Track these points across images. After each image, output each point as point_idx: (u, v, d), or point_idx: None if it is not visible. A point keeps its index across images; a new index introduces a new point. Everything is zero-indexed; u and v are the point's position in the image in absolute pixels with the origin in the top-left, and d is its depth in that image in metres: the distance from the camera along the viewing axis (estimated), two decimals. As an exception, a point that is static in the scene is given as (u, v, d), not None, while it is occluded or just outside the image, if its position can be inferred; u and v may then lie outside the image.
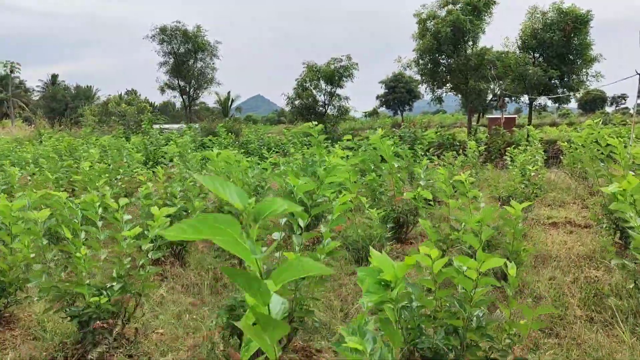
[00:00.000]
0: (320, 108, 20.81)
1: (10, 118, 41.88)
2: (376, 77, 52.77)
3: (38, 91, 59.60)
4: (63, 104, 51.26)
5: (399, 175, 5.49)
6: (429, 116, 51.25)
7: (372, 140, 5.30)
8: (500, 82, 17.65)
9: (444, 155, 11.57)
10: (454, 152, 14.25)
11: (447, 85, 18.78)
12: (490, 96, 29.83)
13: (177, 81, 26.84)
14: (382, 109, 57.26)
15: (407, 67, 18.16)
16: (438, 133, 17.56)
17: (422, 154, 11.49)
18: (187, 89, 27.18)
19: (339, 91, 20.84)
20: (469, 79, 17.42)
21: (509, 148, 10.92)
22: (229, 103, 53.98)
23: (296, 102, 20.43)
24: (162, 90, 26.71)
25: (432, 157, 10.51)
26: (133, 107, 23.15)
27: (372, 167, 5.60)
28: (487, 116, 21.86)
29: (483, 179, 10.36)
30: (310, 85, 20.64)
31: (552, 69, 17.05)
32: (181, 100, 26.88)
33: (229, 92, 50.27)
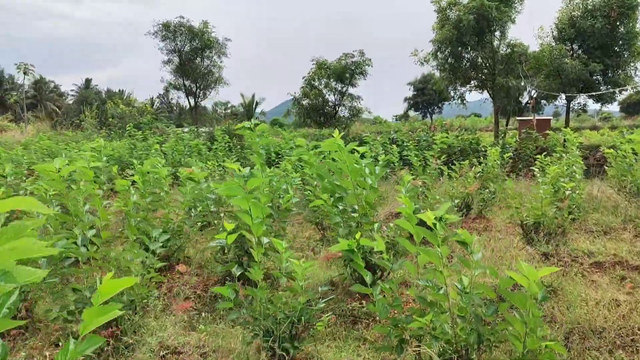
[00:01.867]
0: (330, 109, 19.20)
1: (24, 121, 41.93)
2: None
3: (72, 95, 61.32)
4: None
5: (363, 196, 3.82)
6: (460, 119, 49.44)
7: (324, 147, 3.66)
8: (533, 78, 15.64)
9: (460, 165, 9.82)
10: (475, 159, 12.35)
11: (472, 82, 16.87)
12: (526, 97, 27.67)
13: (182, 80, 25.77)
14: (413, 113, 55.91)
15: (425, 61, 16.37)
16: (460, 137, 15.68)
17: (433, 162, 9.64)
18: (194, 89, 26.03)
19: (351, 90, 19.20)
20: (496, 75, 15.49)
21: (540, 156, 9.02)
22: (254, 106, 53.22)
23: (303, 102, 18.89)
24: (167, 91, 25.83)
25: (442, 167, 8.72)
26: (131, 109, 22.09)
27: (328, 185, 3.95)
28: (518, 118, 19.79)
29: (503, 197, 8.53)
30: (319, 83, 19.06)
31: (593, 62, 14.99)
32: (189, 101, 25.81)
33: (253, 95, 49.46)
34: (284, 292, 2.96)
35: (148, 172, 4.49)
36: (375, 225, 3.68)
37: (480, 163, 11.12)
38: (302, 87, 19.11)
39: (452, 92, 17.51)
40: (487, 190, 8.06)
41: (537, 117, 15.54)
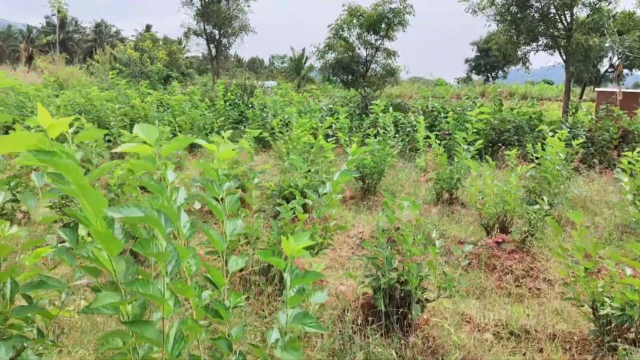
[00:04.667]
0: (361, 66, 16.33)
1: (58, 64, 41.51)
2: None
3: (132, 41, 62.49)
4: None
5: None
6: (528, 86, 44.89)
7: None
8: (625, 37, 12.13)
9: (506, 154, 7.14)
10: (531, 144, 9.47)
11: (540, 40, 13.47)
12: (605, 65, 23.44)
13: (203, 25, 23.45)
14: (476, 76, 52.01)
15: (478, 9, 13.12)
16: (516, 110, 12.55)
17: (465, 149, 6.98)
18: (216, 36, 23.67)
19: (386, 44, 16.21)
20: (574, 31, 12.10)
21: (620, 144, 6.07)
22: (303, 60, 50.58)
23: (328, 56, 16.14)
24: (186, 37, 23.56)
25: (474, 156, 6.07)
26: (139, 54, 20.10)
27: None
28: (597, 89, 16.18)
29: (566, 217, 5.83)
30: (349, 34, 16.16)
31: None
32: (210, 50, 23.36)
33: (303, 49, 46.54)
34: None
35: None
36: None
37: (536, 152, 8.25)
38: (328, 37, 16.33)
39: (513, 51, 14.18)
40: (537, 204, 5.28)
41: (623, 90, 12.11)
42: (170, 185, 1.95)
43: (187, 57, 52.73)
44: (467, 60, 49.59)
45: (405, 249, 3.26)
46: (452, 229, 5.97)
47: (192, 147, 11.69)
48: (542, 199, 5.63)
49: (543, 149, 8.28)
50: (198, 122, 11.97)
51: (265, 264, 4.05)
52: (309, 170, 6.13)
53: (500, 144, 11.99)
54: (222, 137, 4.87)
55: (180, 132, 12.36)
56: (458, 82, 51.69)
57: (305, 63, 49.98)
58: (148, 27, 61.48)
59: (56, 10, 45.41)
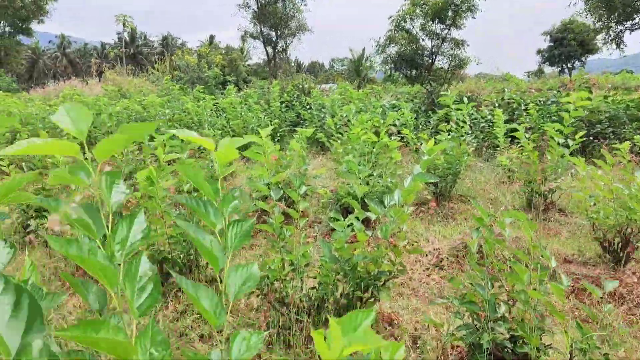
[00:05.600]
0: (426, 59, 15.10)
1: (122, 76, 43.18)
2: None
3: (196, 51, 65.37)
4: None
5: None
6: (607, 76, 41.53)
7: None
8: None
9: (614, 147, 5.86)
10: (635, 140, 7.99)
11: (636, 17, 11.68)
12: None
13: (260, 27, 22.97)
14: (548, 69, 48.88)
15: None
16: (611, 98, 10.94)
17: (561, 143, 5.76)
18: (273, 37, 23.13)
19: (454, 33, 14.88)
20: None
21: None
22: (363, 61, 49.74)
23: (389, 50, 15.04)
24: (243, 40, 23.30)
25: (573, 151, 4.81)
26: (197, 59, 19.91)
27: None
28: None
29: None
30: (412, 25, 15.00)
31: None
32: (267, 52, 22.91)
33: (363, 49, 45.63)
34: None
35: None
36: None
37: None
38: (389, 30, 15.23)
39: (604, 31, 12.43)
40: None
41: None
42: (112, 211, 1.07)
43: (248, 65, 53.42)
44: (539, 52, 46.63)
45: (518, 289, 2.22)
46: (553, 243, 4.78)
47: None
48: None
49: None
50: (252, 125, 11.32)
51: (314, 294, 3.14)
52: (371, 174, 5.17)
53: (591, 138, 10.42)
54: (261, 136, 4.03)
55: (233, 136, 11.78)
56: (528, 76, 48.82)
57: (365, 62, 48.87)
58: (212, 38, 63.32)
59: (121, 24, 47.75)
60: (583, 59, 44.21)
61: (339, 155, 5.57)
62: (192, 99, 13.97)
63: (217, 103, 14.22)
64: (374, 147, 5.39)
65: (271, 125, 11.29)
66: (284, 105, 14.61)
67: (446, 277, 4.26)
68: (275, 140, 11.24)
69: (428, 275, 4.34)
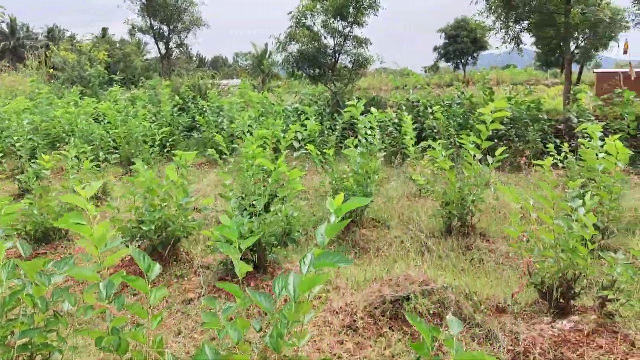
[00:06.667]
0: (329, 57, 14.38)
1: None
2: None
3: (96, 47, 59.87)
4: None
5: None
6: (497, 71, 44.07)
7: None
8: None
9: (532, 161, 5.45)
10: (540, 142, 7.83)
11: (533, 17, 11.77)
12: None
13: (149, 21, 21.00)
14: (443, 64, 50.95)
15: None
16: (515, 99, 10.89)
17: (479, 154, 5.04)
18: (165, 32, 21.28)
19: (356, 31, 14.31)
20: (572, 4, 10.45)
21: None
22: (267, 56, 48.32)
23: (290, 48, 14.13)
24: (132, 35, 21.28)
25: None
26: (75, 55, 17.64)
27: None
28: (597, 70, 14.67)
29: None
30: (313, 21, 14.21)
31: None
32: (158, 48, 20.95)
33: (265, 44, 44.13)
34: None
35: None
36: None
37: (559, 152, 6.57)
38: (289, 27, 14.33)
39: (503, 30, 12.43)
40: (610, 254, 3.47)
41: (635, 69, 10.52)
42: None
43: (147, 59, 49.83)
44: (435, 48, 48.35)
45: None
46: (481, 284, 4.12)
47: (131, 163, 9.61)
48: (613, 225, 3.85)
49: (572, 151, 6.56)
50: (136, 134, 9.83)
51: None
52: (267, 209, 4.19)
53: (496, 140, 10.26)
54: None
55: (116, 148, 10.23)
56: (426, 71, 50.57)
57: (269, 58, 47.72)
58: (104, 31, 57.61)
59: (-7, 13, 42.12)
60: (475, 55, 46.62)
61: (227, 189, 4.53)
62: (65, 104, 12.06)
63: (97, 107, 12.44)
64: (269, 175, 4.42)
65: (158, 133, 9.90)
66: (176, 108, 13.18)
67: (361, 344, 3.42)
68: (165, 151, 9.87)
69: (340, 343, 3.47)
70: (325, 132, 10.88)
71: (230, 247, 2.29)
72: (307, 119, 10.34)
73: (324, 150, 6.03)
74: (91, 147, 8.36)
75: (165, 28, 21.46)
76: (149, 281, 2.20)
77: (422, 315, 3.57)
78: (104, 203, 7.66)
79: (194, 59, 48.27)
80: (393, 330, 3.53)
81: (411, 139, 7.95)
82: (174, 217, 4.57)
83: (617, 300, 3.28)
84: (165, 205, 4.69)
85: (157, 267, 2.30)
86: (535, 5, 10.98)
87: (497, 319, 3.50)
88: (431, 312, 3.58)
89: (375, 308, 3.68)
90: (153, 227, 4.37)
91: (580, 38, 12.56)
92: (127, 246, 4.98)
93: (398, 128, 10.36)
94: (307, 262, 1.96)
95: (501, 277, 4.32)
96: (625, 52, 11.18)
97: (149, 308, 2.22)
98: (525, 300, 3.79)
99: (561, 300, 3.49)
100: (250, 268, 2.20)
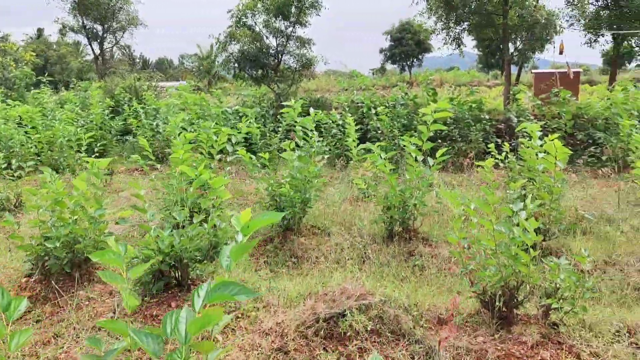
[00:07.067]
0: (271, 58, 14.00)
1: None
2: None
3: (22, 46, 56.31)
4: (43, 60, 46.11)
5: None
6: (441, 73, 45.00)
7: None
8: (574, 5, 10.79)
9: (474, 161, 5.33)
10: (482, 141, 7.77)
11: (473, 18, 11.87)
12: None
13: (81, 20, 19.88)
14: (390, 66, 51.45)
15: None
16: (457, 99, 10.90)
17: (420, 155, 4.73)
18: (99, 31, 20.20)
19: (299, 32, 14.02)
20: (511, 5, 10.59)
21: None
22: (213, 57, 47.06)
23: (231, 48, 13.65)
24: (62, 35, 20.00)
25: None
26: (1, 57, 16.41)
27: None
28: (535, 71, 15.05)
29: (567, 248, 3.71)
30: (254, 21, 13.79)
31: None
32: (92, 48, 19.81)
33: (211, 45, 42.87)
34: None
35: None
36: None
37: (500, 152, 6.47)
38: (229, 26, 13.84)
39: (444, 31, 12.48)
40: (551, 260, 3.29)
41: (572, 69, 10.77)
42: None
43: (86, 60, 47.47)
44: (381, 50, 48.90)
45: None
46: (423, 294, 3.88)
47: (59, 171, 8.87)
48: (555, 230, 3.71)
49: (512, 150, 6.50)
50: (60, 139, 9.09)
51: None
52: (178, 247, 3.76)
53: (440, 141, 10.22)
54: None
55: (38, 155, 9.46)
56: (373, 73, 50.97)
57: (212, 59, 46.59)
58: (40, 31, 55.11)
59: None
60: (420, 57, 47.47)
61: (141, 199, 4.08)
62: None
63: (22, 112, 11.49)
64: (191, 183, 4.00)
65: (85, 138, 9.20)
66: (108, 111, 12.41)
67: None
68: (94, 157, 9.16)
69: (270, 370, 3.11)
70: (268, 134, 10.51)
71: (117, 276, 1.89)
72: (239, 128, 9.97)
73: (259, 154, 5.66)
74: (4, 154, 7.61)
75: (99, 27, 20.38)
76: (8, 322, 1.77)
77: (358, 334, 3.27)
78: (19, 216, 6.97)
79: (137, 60, 46.68)
80: (327, 351, 3.21)
81: (354, 141, 7.72)
82: (85, 232, 4.08)
83: (561, 309, 3.10)
84: (77, 219, 4.19)
85: (23, 304, 1.87)
86: (474, 7, 11.08)
87: (438, 333, 3.26)
88: (369, 329, 3.29)
89: (308, 327, 3.35)
90: (58, 245, 3.86)
91: (518, 40, 12.81)
92: (33, 267, 4.44)
93: (342, 130, 10.15)
94: (202, 295, 1.60)
95: (443, 284, 4.11)
96: (561, 52, 11.49)
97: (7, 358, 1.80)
98: (468, 310, 3.57)
99: (504, 309, 3.29)
100: (138, 302, 1.81)
